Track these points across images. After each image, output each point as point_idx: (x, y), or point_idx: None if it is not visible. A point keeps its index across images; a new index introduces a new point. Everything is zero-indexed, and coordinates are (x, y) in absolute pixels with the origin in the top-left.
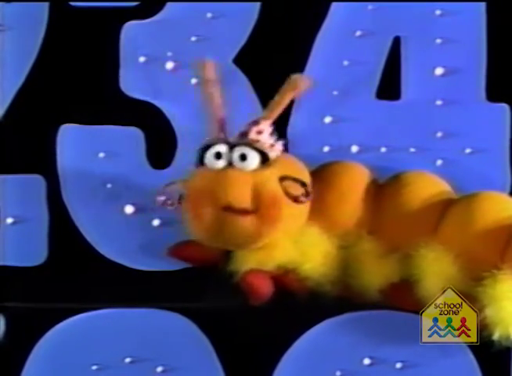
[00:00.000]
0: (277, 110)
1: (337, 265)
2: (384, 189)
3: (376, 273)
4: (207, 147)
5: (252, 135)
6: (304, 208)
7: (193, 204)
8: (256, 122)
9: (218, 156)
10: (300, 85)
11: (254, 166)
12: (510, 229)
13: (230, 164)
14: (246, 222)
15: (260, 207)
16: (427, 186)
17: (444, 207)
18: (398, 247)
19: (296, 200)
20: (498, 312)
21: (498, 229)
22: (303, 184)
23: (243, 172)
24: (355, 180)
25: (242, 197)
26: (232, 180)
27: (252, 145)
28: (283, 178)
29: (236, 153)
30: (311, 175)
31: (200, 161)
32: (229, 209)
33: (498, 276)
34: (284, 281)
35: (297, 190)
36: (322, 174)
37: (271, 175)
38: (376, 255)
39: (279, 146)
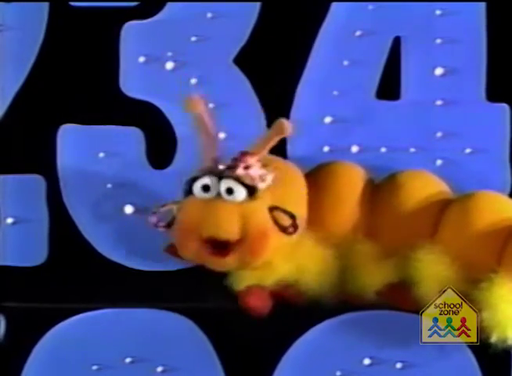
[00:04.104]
0: (264, 149)
1: (335, 272)
2: (379, 189)
3: (373, 276)
4: (194, 179)
5: (239, 171)
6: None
7: (181, 236)
8: (244, 155)
9: (206, 188)
10: (284, 130)
11: (241, 199)
12: (506, 231)
13: (219, 194)
14: (229, 260)
15: (246, 239)
16: (423, 186)
17: (441, 208)
18: (395, 250)
19: (284, 230)
20: (495, 315)
21: (495, 232)
22: (292, 216)
23: (230, 203)
24: (351, 182)
25: (227, 227)
26: (218, 211)
27: (239, 179)
28: (272, 209)
29: (223, 186)
30: (306, 177)
31: (189, 192)
32: (213, 241)
33: (495, 280)
34: (283, 295)
35: (286, 221)
36: (318, 176)
37: (259, 206)
38: (373, 258)
39: (270, 177)
